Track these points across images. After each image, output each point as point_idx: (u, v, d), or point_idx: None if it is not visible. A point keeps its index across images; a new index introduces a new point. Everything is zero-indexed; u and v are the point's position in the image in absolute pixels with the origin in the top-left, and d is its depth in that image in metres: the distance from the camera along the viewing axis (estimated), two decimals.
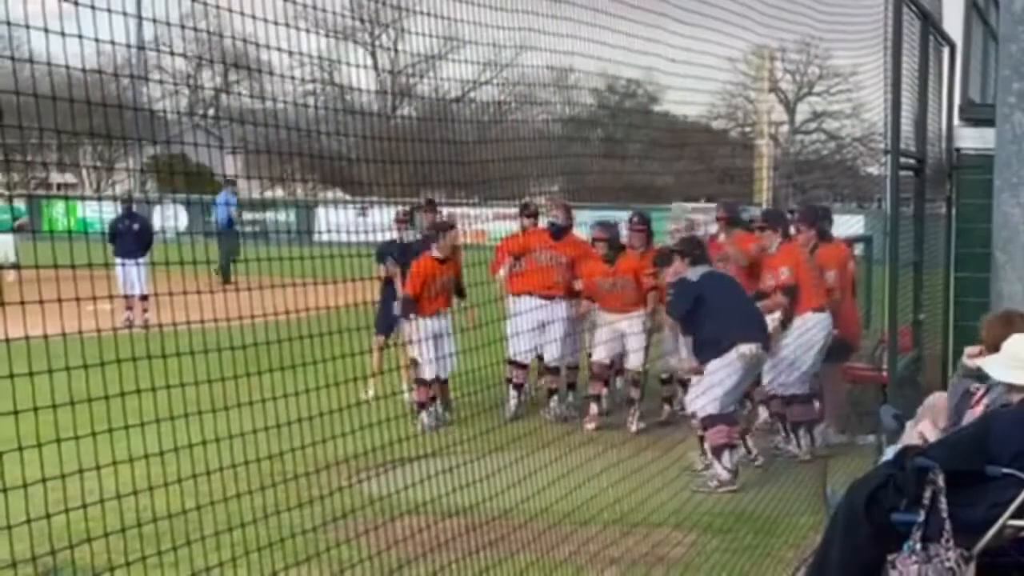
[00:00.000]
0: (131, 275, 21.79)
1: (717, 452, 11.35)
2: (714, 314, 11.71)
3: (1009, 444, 7.23)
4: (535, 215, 15.17)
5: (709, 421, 11.48)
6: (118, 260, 21.44)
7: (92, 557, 4.65)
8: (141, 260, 22.01)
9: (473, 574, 6.27)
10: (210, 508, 4.89)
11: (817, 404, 13.01)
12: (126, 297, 21.92)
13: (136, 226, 23.16)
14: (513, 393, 14.40)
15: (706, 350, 11.76)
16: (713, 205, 15.86)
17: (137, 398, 4.57)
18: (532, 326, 13.93)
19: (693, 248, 12.42)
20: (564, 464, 7.84)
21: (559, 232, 14.70)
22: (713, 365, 11.61)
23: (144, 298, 21.39)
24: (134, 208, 24.11)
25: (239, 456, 5.09)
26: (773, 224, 13.30)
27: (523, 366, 14.49)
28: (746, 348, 11.57)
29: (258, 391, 5.30)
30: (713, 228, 15.24)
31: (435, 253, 14.01)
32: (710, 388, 11.50)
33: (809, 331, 12.78)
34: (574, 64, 9.06)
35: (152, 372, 4.62)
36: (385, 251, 14.49)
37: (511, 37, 7.80)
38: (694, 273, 12.03)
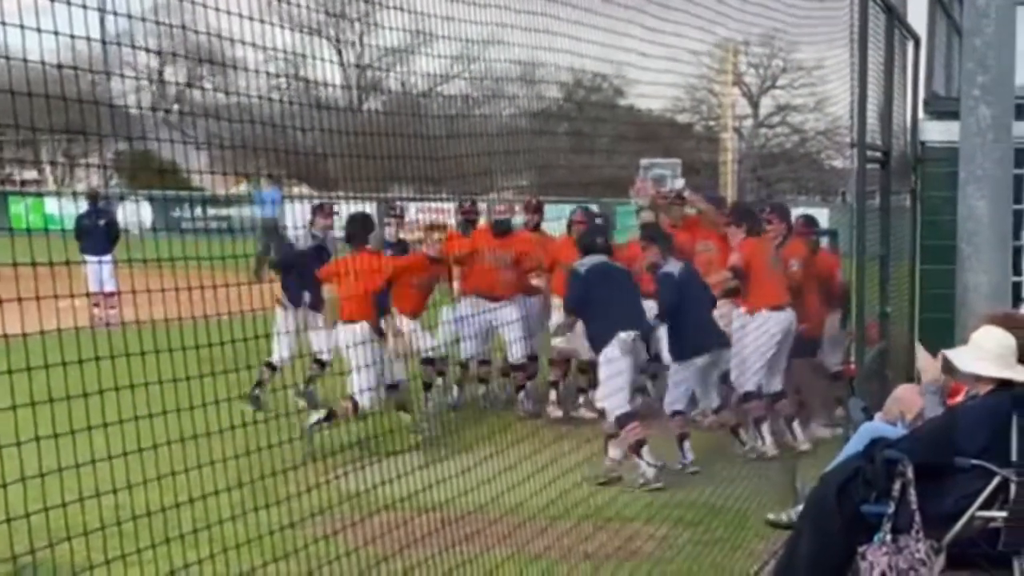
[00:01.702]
0: (99, 272, 21.65)
1: (636, 449, 11.37)
2: (599, 306, 11.85)
3: (977, 436, 7.28)
4: (470, 213, 15.21)
5: (624, 419, 11.52)
6: (85, 257, 21.31)
7: (72, 555, 4.64)
8: (108, 257, 21.88)
9: (449, 569, 6.27)
10: (188, 506, 4.89)
11: (785, 401, 13.05)
12: (92, 295, 21.78)
13: (103, 222, 23.03)
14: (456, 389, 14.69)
15: (596, 343, 11.90)
16: (677, 160, 15.86)
17: (115, 395, 4.56)
18: (478, 329, 13.99)
19: (589, 238, 12.58)
20: (537, 460, 7.86)
21: (502, 230, 14.69)
22: (603, 358, 11.74)
23: (112, 295, 21.27)
24: (100, 204, 23.95)
25: (216, 453, 5.09)
26: (738, 220, 13.33)
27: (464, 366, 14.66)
28: (624, 335, 11.63)
29: (236, 388, 5.29)
30: (679, 183, 15.20)
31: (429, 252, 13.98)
32: (615, 388, 11.58)
33: (766, 330, 12.83)
34: (541, 58, 9.07)
35: (130, 369, 4.61)
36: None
37: (479, 31, 7.81)
38: (582, 265, 12.13)
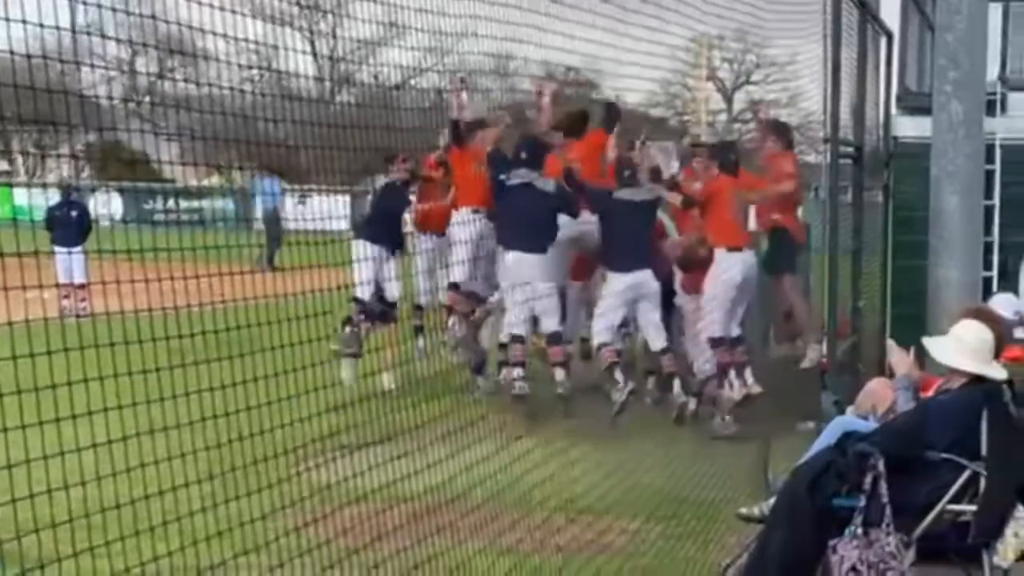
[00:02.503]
0: (70, 263, 21.57)
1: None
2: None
3: (948, 430, 7.32)
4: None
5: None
6: (56, 248, 21.21)
7: (40, 547, 4.60)
8: (79, 248, 21.79)
9: (420, 562, 6.26)
10: (157, 498, 4.86)
11: (742, 347, 13.10)
12: (63, 286, 21.71)
13: (74, 213, 22.96)
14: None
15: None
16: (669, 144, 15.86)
17: (83, 387, 4.53)
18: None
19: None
20: (510, 453, 7.85)
21: None
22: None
23: (82, 286, 21.19)
24: (73, 196, 23.89)
25: (187, 445, 5.07)
26: (713, 156, 13.46)
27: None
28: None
29: (206, 379, 5.27)
30: (675, 166, 15.19)
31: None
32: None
33: (726, 272, 12.84)
34: (515, 51, 9.06)
35: (99, 360, 4.58)
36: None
37: (452, 24, 7.79)
38: None
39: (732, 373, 12.78)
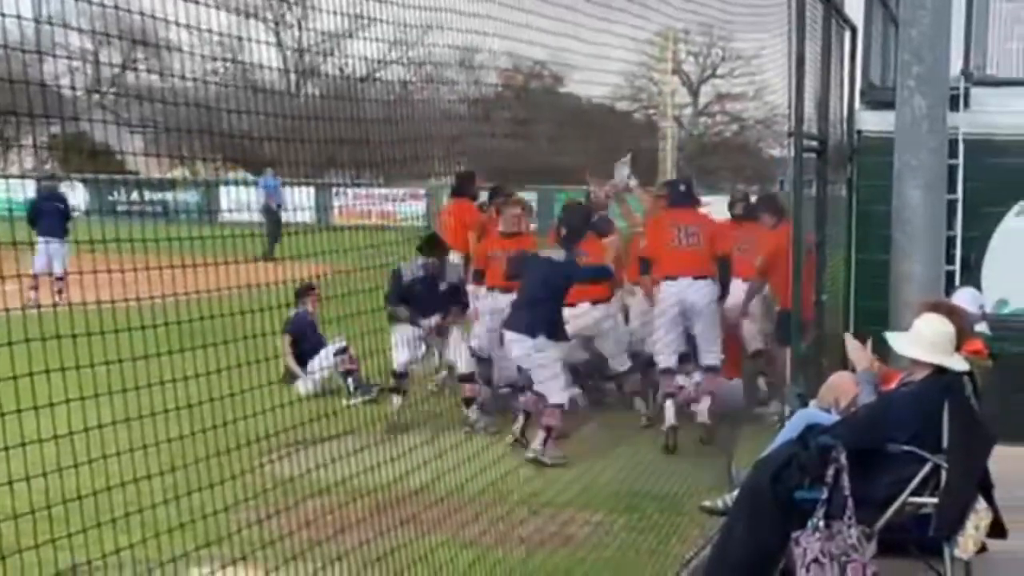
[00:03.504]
0: (51, 254, 21.77)
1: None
2: None
3: (909, 422, 7.36)
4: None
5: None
6: (41, 239, 21.40)
7: (0, 539, 4.59)
8: (61, 239, 21.97)
9: (383, 554, 6.26)
10: (119, 489, 4.85)
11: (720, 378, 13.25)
12: (35, 276, 21.77)
13: (60, 205, 23.18)
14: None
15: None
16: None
17: (45, 378, 4.51)
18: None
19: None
20: (471, 445, 7.86)
21: None
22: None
23: (60, 278, 21.25)
24: (58, 188, 24.15)
25: (149, 437, 5.05)
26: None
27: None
28: None
29: (168, 371, 5.25)
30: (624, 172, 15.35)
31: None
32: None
33: (662, 300, 13.09)
34: (481, 44, 9.04)
35: (61, 352, 4.56)
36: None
37: (418, 16, 7.77)
38: None
39: (670, 403, 12.80)
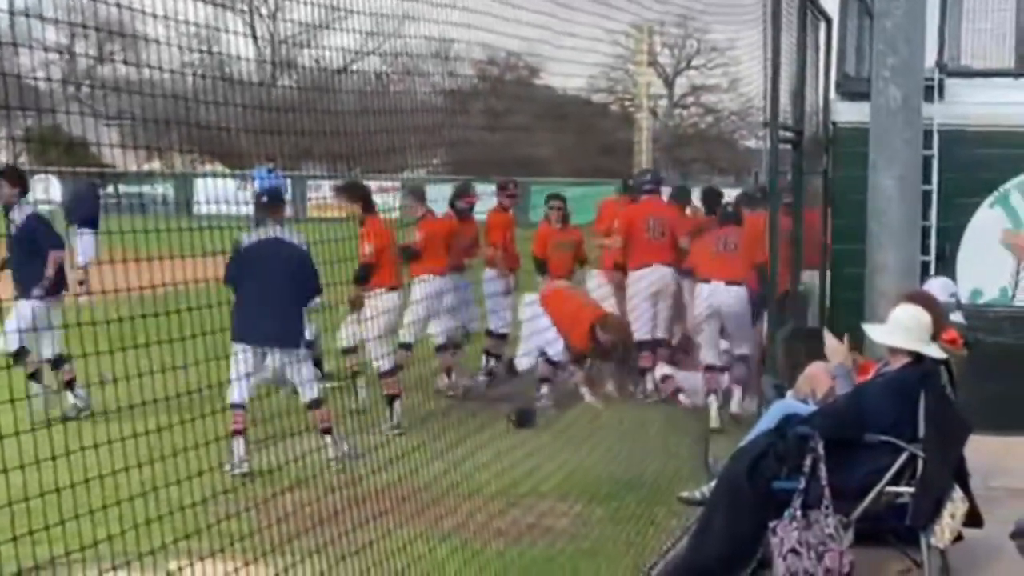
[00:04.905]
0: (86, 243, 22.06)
1: None
2: None
3: (886, 412, 7.39)
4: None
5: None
6: (80, 230, 21.84)
7: None
8: (94, 229, 22.27)
9: (361, 546, 6.24)
10: (96, 483, 4.83)
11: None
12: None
13: (94, 195, 23.44)
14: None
15: None
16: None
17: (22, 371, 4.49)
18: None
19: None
20: (450, 436, 7.84)
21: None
22: None
23: (84, 268, 21.50)
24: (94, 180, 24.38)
25: (126, 430, 5.03)
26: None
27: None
28: None
29: (146, 363, 5.24)
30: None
31: None
32: None
33: (634, 285, 13.83)
34: (456, 35, 9.03)
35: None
36: None
37: (394, 7, 7.75)
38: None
39: (649, 376, 13.62)
